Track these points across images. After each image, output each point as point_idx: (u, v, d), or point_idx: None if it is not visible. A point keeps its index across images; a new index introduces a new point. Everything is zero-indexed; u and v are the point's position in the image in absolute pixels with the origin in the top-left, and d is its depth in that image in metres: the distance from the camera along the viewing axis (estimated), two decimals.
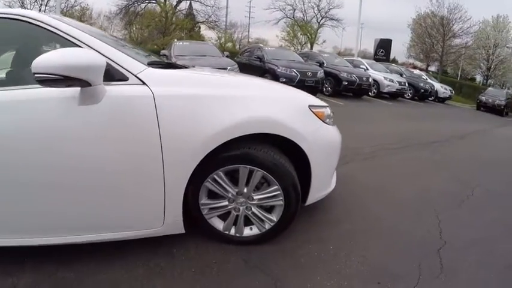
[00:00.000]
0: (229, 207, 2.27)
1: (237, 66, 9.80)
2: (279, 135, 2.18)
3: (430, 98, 18.53)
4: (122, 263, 2.08)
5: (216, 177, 2.15)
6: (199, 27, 36.71)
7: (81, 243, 2.03)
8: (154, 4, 33.47)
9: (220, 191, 2.20)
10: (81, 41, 1.88)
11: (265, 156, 2.14)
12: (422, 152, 5.83)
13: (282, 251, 2.35)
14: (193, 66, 2.70)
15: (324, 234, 2.65)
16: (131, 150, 1.87)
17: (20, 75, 2.14)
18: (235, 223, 2.32)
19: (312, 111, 2.43)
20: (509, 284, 2.30)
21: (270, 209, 2.33)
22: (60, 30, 1.89)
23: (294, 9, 38.52)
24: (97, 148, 1.83)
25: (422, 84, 17.25)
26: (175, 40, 14.39)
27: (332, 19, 38.34)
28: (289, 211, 2.28)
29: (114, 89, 1.83)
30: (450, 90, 20.51)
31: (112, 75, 1.85)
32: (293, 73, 11.27)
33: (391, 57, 35.67)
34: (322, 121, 2.48)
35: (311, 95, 2.70)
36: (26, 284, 1.86)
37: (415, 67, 33.36)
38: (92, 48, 1.85)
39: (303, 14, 38.85)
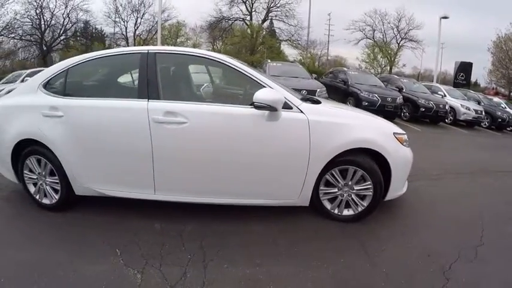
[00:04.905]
0: (337, 193, 3.61)
1: (325, 89, 10.93)
2: (374, 150, 3.49)
3: (508, 128, 18.08)
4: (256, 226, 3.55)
5: (333, 172, 3.51)
6: (280, 44, 38.55)
7: (250, 205, 3.55)
8: (240, 22, 36.08)
9: (334, 182, 3.55)
10: (265, 83, 3.36)
11: (366, 161, 3.49)
12: (485, 179, 6.45)
13: (369, 228, 3.62)
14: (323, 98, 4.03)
15: (396, 222, 3.92)
16: (292, 151, 3.31)
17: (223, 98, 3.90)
18: (338, 205, 3.65)
19: (395, 136, 3.71)
20: None
21: (362, 197, 3.61)
22: (251, 75, 3.43)
23: (374, 30, 39.11)
24: (273, 147, 3.30)
25: (499, 114, 16.84)
26: (268, 60, 15.75)
27: (411, 40, 38.42)
28: (375, 200, 3.57)
29: (285, 114, 3.28)
30: None
31: (284, 105, 3.27)
32: (374, 98, 12.31)
33: (473, 80, 34.65)
34: (401, 143, 3.74)
35: (395, 125, 3.97)
36: (191, 229, 3.40)
37: (497, 93, 32.24)
38: (272, 88, 3.31)
39: (383, 35, 39.32)
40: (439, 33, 24.54)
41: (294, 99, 3.40)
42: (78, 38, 36.72)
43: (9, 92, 11.59)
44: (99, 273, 2.70)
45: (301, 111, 3.33)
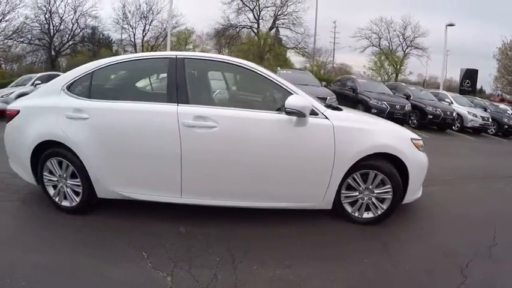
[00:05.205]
0: (358, 196, 3.76)
1: (335, 96, 11.15)
2: (393, 155, 3.66)
3: None
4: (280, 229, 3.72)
5: (355, 176, 3.66)
6: (286, 52, 38.81)
7: (276, 208, 3.72)
8: (248, 29, 36.52)
9: (356, 185, 3.70)
10: (293, 91, 3.51)
11: (385, 165, 3.65)
12: (494, 184, 6.65)
13: (388, 230, 3.78)
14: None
15: (414, 224, 4.09)
16: (318, 156, 3.46)
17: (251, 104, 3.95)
18: (358, 208, 3.79)
19: (412, 142, 3.87)
20: None
21: (382, 200, 3.76)
22: (279, 82, 3.58)
23: (380, 38, 39.12)
24: (300, 152, 3.45)
25: (506, 120, 16.89)
26: (279, 68, 16.00)
27: (417, 48, 38.40)
28: (394, 203, 3.73)
29: (312, 120, 3.43)
30: None
31: (310, 111, 3.41)
32: (383, 105, 12.56)
33: (478, 86, 34.63)
34: (417, 148, 3.90)
35: (411, 131, 4.12)
36: (216, 232, 3.47)
37: (502, 99, 32.21)
38: (294, 97, 3.39)
39: (389, 43, 39.30)
40: (445, 40, 24.75)
41: (320, 106, 3.58)
42: (86, 44, 36.97)
43: (19, 94, 12.18)
44: (127, 276, 2.75)
45: (326, 117, 3.50)
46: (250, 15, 36.60)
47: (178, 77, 3.51)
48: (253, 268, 2.95)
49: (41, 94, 3.98)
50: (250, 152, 3.43)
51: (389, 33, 38.82)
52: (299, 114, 3.29)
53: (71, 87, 3.71)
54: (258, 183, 3.53)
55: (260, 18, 36.70)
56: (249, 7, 36.07)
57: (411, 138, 3.90)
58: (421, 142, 4.01)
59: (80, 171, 3.56)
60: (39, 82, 13.42)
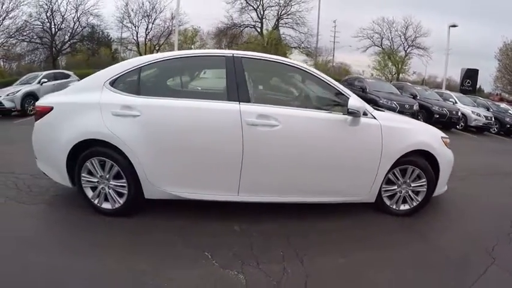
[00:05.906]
0: (396, 190, 4.13)
1: None
2: (428, 151, 4.04)
3: None
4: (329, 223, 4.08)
5: (394, 171, 4.02)
6: (288, 51, 39.02)
7: (326, 203, 4.01)
8: (251, 28, 36.91)
9: (395, 180, 4.08)
10: (348, 94, 3.80)
11: (421, 161, 4.04)
12: (503, 180, 7.15)
13: (423, 221, 4.16)
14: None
15: (443, 216, 4.50)
16: (368, 153, 3.80)
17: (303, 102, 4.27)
18: (396, 201, 4.16)
19: (442, 139, 4.27)
20: None
21: (417, 193, 4.14)
22: (335, 85, 3.87)
23: (382, 38, 39.37)
24: (353, 149, 3.76)
25: (508, 119, 17.31)
26: None
27: (419, 48, 38.69)
28: (428, 195, 4.12)
29: (363, 120, 3.73)
30: None
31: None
32: (393, 105, 12.95)
33: (477, 86, 35.00)
34: (446, 146, 4.30)
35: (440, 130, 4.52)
36: (270, 229, 3.58)
37: (502, 99, 32.54)
38: (353, 98, 3.67)
39: (390, 43, 39.55)
40: (448, 41, 25.31)
41: (369, 107, 3.92)
42: (85, 43, 36.71)
43: (26, 93, 12.81)
44: (197, 278, 2.72)
45: (374, 118, 3.83)
46: (254, 15, 37.00)
47: (237, 75, 3.54)
48: (318, 260, 3.10)
49: (78, 90, 3.83)
50: (310, 150, 3.62)
51: (391, 33, 39.13)
52: (357, 114, 3.60)
53: (114, 83, 3.57)
54: (316, 179, 3.73)
55: (263, 17, 37.12)
56: (252, 6, 36.49)
57: (441, 137, 4.31)
58: (448, 140, 4.40)
59: (126, 171, 3.44)
60: (46, 80, 13.82)
